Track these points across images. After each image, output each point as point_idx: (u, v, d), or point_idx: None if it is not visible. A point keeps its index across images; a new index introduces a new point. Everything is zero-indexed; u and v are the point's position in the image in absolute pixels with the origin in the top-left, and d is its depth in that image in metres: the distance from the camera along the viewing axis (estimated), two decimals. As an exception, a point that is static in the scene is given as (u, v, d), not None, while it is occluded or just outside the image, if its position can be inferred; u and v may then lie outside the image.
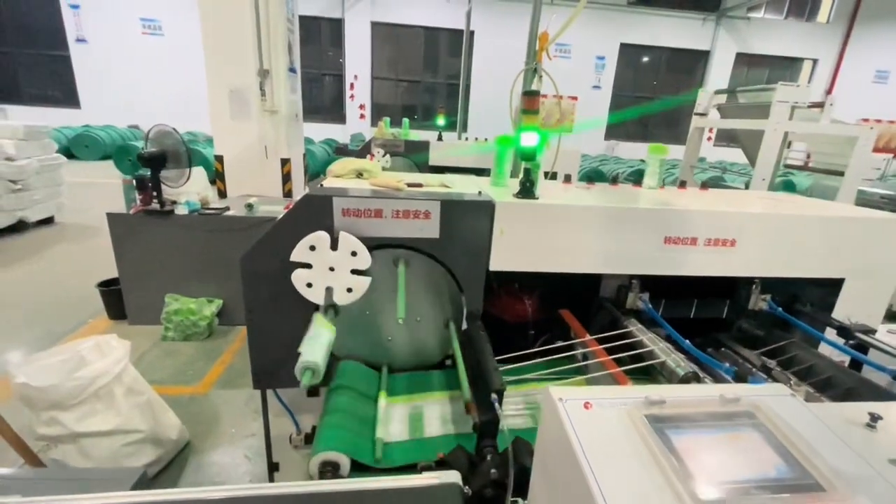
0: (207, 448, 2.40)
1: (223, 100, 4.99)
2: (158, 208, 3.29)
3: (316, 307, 1.51)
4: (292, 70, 5.31)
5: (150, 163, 3.16)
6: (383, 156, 4.61)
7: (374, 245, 1.44)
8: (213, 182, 5.47)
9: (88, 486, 0.94)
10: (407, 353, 1.64)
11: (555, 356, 1.55)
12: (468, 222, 1.47)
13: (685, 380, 1.24)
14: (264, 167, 5.27)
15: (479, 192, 1.58)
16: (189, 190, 3.51)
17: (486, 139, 5.33)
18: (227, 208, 3.53)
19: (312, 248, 1.36)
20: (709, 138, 14.06)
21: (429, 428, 1.32)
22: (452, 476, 0.93)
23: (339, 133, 14.31)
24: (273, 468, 1.86)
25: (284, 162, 5.30)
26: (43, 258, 5.01)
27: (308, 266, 1.38)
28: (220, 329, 3.57)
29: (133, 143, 10.16)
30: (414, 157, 4.68)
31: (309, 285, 1.40)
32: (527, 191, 1.55)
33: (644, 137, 15.75)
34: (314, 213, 1.41)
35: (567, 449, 0.77)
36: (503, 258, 1.52)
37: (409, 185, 1.64)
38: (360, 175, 1.78)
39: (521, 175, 1.56)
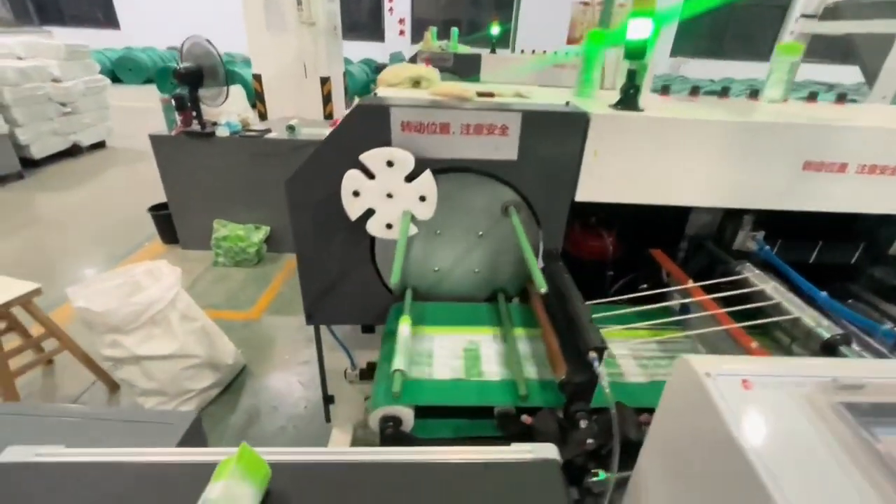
0: (262, 373, 2.44)
1: (259, 11, 4.60)
2: (199, 130, 3.14)
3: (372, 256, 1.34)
4: (329, -26, 4.77)
5: (187, 79, 2.96)
6: (430, 72, 4.18)
7: (436, 168, 1.21)
8: (253, 106, 5.27)
9: (136, 431, 0.86)
10: (458, 284, 1.44)
11: (646, 305, 1.32)
12: (555, 140, 1.19)
13: (831, 344, 0.99)
14: (304, 87, 4.97)
15: (567, 103, 1.27)
16: (229, 110, 3.33)
17: (544, 52, 4.72)
18: (269, 130, 3.34)
19: (390, 163, 1.14)
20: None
21: (485, 367, 1.14)
22: (549, 450, 0.77)
23: (377, 52, 13.46)
24: (328, 401, 1.82)
25: (324, 81, 4.97)
26: (99, 181, 5.12)
27: (371, 176, 1.17)
28: (269, 256, 3.56)
29: (173, 65, 9.99)
30: (463, 75, 4.21)
31: (356, 194, 1.20)
32: (629, 100, 1.23)
33: (716, 54, 13.87)
34: (368, 127, 1.17)
35: (727, 446, 0.56)
36: (593, 186, 1.25)
37: (479, 94, 1.35)
38: (416, 84, 1.50)
39: (622, 79, 1.23)
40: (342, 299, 1.44)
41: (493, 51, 4.46)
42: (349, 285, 1.41)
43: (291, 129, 3.36)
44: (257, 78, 4.98)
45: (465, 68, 4.18)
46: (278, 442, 2.05)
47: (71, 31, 12.40)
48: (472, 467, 0.73)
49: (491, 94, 1.36)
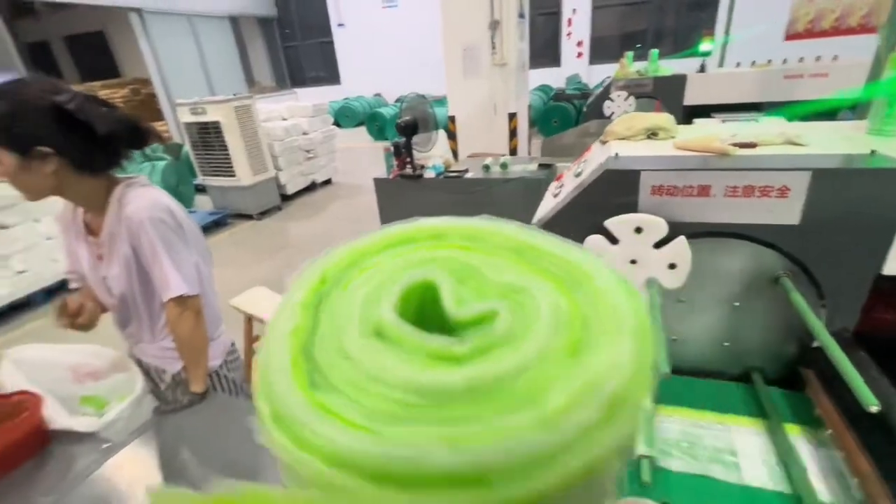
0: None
1: (458, 59, 5.11)
2: (411, 173, 3.61)
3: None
4: (521, 16, 5.02)
5: (406, 130, 3.44)
6: (625, 99, 3.99)
7: (692, 233, 1.10)
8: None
9: None
10: (699, 356, 1.27)
11: None
12: (859, 202, 0.97)
13: None
14: (492, 124, 5.29)
15: (873, 153, 1.03)
16: (434, 154, 3.73)
17: (757, 63, 4.03)
18: (467, 170, 3.63)
19: (639, 230, 1.11)
20: None
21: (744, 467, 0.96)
22: None
23: (553, 77, 13.51)
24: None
25: (511, 117, 5.20)
26: (329, 212, 6.34)
27: (614, 241, 1.14)
28: (460, 285, 3.83)
29: (379, 111, 11.83)
30: (666, 99, 3.88)
31: None
32: (982, 146, 0.92)
33: None
34: (613, 192, 1.14)
35: None
36: (915, 257, 0.97)
37: (736, 145, 1.20)
38: (652, 135, 1.42)
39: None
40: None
41: (702, 69, 4.00)
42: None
43: (486, 168, 3.59)
44: (452, 119, 5.50)
45: (668, 92, 3.85)
46: None
47: (309, 90, 15.89)
48: None
49: (753, 145, 1.19)
